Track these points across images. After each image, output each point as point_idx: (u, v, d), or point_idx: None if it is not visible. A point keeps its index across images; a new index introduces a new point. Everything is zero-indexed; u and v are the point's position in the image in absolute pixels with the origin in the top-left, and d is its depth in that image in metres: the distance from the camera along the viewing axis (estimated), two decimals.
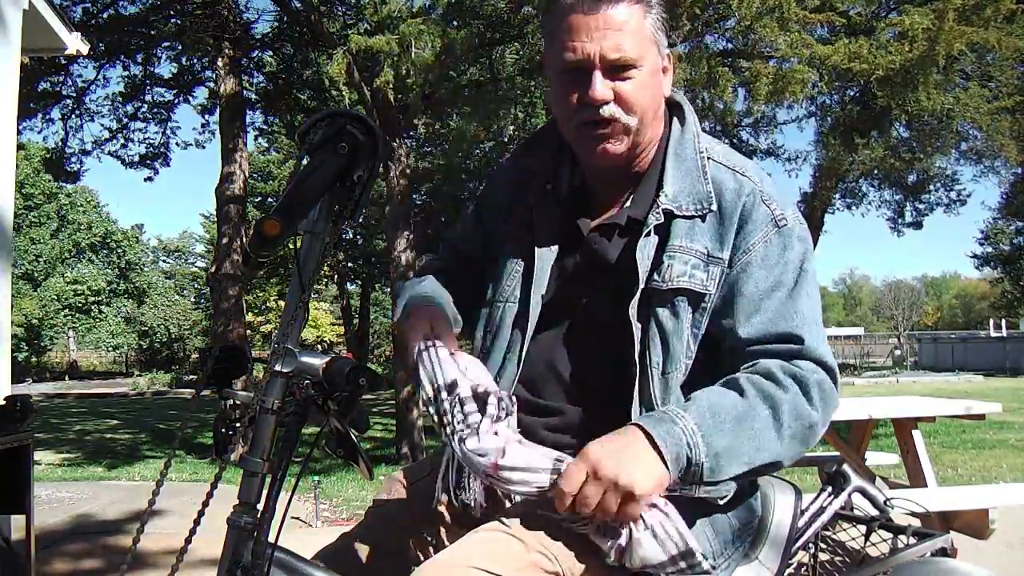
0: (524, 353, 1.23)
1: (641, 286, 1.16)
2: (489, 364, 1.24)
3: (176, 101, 12.43)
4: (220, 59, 10.15)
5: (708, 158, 1.23)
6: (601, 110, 1.15)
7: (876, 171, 11.19)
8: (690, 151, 1.23)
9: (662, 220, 1.18)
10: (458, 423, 1.07)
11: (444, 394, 1.09)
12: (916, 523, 1.75)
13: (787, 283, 1.16)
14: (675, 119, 1.27)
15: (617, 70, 1.14)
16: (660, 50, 1.20)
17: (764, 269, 1.16)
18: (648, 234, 1.18)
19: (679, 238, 1.18)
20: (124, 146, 12.36)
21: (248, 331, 13.72)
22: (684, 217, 1.18)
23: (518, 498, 1.11)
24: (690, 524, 1.12)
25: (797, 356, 1.13)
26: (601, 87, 1.14)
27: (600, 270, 1.23)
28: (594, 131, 1.17)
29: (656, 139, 1.25)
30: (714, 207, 1.18)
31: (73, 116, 11.74)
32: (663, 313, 1.16)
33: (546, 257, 1.25)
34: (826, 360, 1.14)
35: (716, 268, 1.17)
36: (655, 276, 1.17)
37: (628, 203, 1.23)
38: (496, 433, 1.06)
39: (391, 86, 7.73)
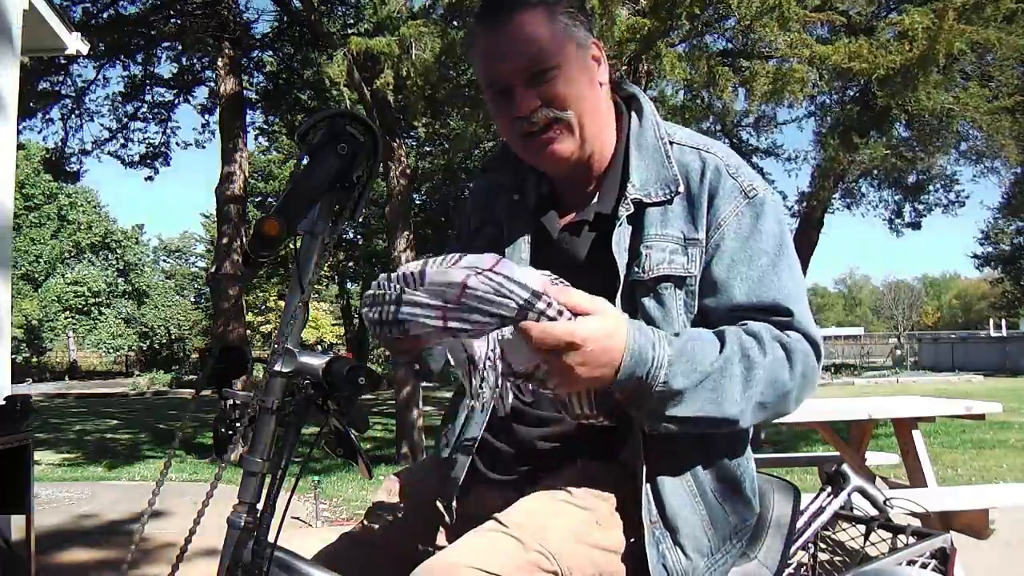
0: None
1: (622, 279, 1.16)
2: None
3: (176, 101, 12.45)
4: (220, 59, 10.17)
5: (670, 142, 1.23)
6: (534, 117, 1.15)
7: (876, 171, 11.19)
8: (651, 139, 1.23)
9: (632, 210, 1.18)
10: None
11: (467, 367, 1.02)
12: (916, 523, 1.75)
13: (767, 253, 1.15)
14: (632, 112, 1.27)
15: (536, 77, 1.14)
16: (579, 43, 1.18)
17: (739, 241, 1.15)
18: (620, 226, 1.18)
19: (653, 227, 1.17)
20: (124, 146, 12.39)
21: (248, 331, 13.72)
22: (655, 204, 1.18)
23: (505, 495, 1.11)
24: (687, 516, 1.12)
25: (787, 327, 1.12)
26: (525, 99, 1.15)
27: (574, 270, 1.20)
28: (536, 139, 1.17)
29: (610, 130, 1.24)
30: (681, 189, 1.18)
31: (73, 116, 11.77)
32: (648, 304, 1.16)
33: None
34: (813, 335, 1.13)
35: (695, 250, 1.16)
36: (635, 268, 1.16)
37: (596, 200, 1.23)
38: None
39: (391, 87, 7.73)
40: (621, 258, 1.17)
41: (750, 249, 1.15)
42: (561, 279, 1.04)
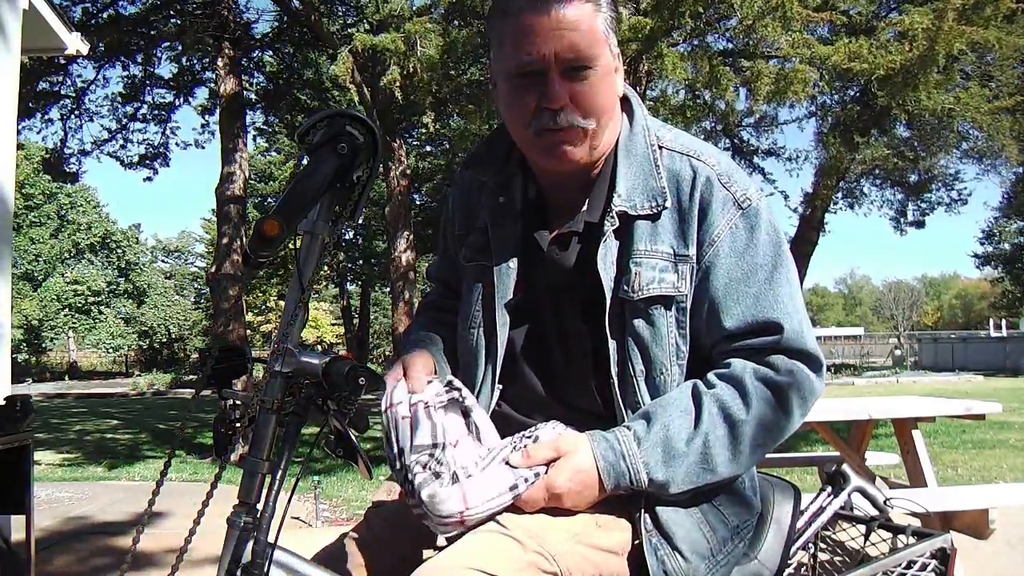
0: (498, 377, 1.23)
1: (609, 297, 1.15)
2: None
3: (176, 102, 12.43)
4: (220, 59, 10.16)
5: (659, 147, 1.19)
6: (559, 116, 1.12)
7: (877, 171, 11.20)
8: (640, 145, 1.20)
9: (617, 224, 1.16)
10: (416, 484, 1.08)
11: (397, 463, 1.10)
12: (916, 523, 1.75)
13: (763, 267, 1.14)
14: (623, 114, 1.24)
15: (572, 71, 1.11)
16: (611, 49, 1.16)
17: (734, 257, 1.14)
18: (606, 240, 1.15)
19: (642, 241, 1.15)
20: (123, 147, 12.37)
21: (248, 331, 13.72)
22: (642, 217, 1.16)
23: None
24: (682, 521, 1.12)
25: (776, 348, 1.12)
26: (559, 89, 1.11)
27: (565, 283, 1.21)
28: (553, 136, 1.14)
29: (614, 140, 1.21)
30: (669, 203, 1.15)
31: (72, 116, 11.75)
32: (639, 323, 1.14)
33: (507, 276, 1.23)
34: (807, 349, 1.13)
35: (685, 267, 1.15)
36: (624, 286, 1.14)
37: (585, 208, 1.20)
38: (452, 479, 1.07)
39: (398, 84, 7.71)
40: (607, 276, 1.15)
41: (746, 265, 1.14)
42: (524, 438, 1.13)
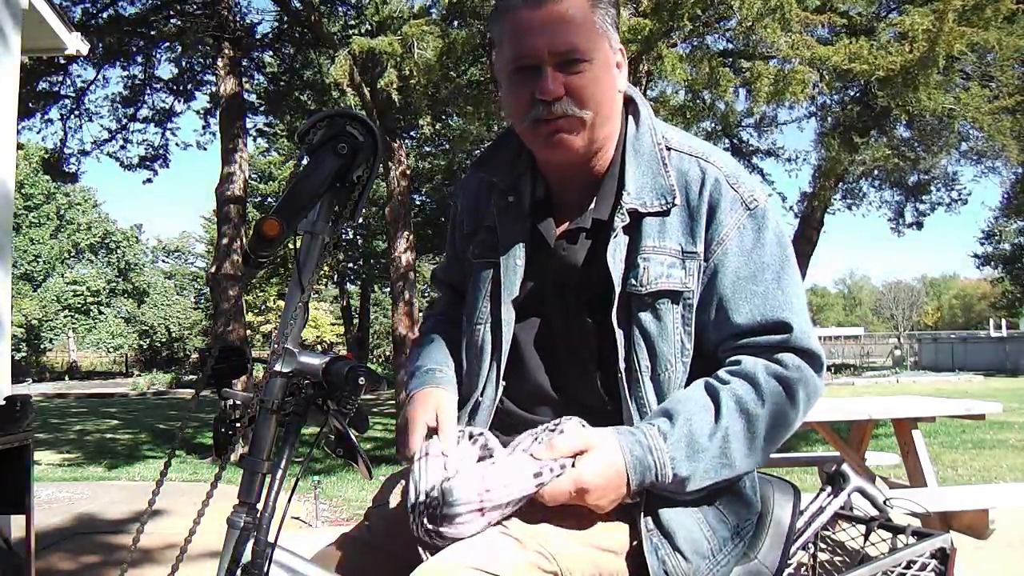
0: (502, 373, 1.23)
1: (618, 292, 1.16)
2: (473, 389, 1.26)
3: (176, 103, 12.39)
4: (220, 60, 10.16)
5: (667, 147, 1.21)
6: (553, 107, 1.13)
7: (877, 171, 11.19)
8: (647, 144, 1.22)
9: (628, 220, 1.17)
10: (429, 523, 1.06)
11: (418, 508, 1.08)
12: (916, 523, 1.75)
13: (770, 267, 1.15)
14: (629, 115, 1.25)
15: (567, 64, 1.13)
16: (611, 44, 1.17)
17: (742, 256, 1.15)
18: (616, 236, 1.17)
19: (651, 238, 1.16)
20: (123, 147, 12.34)
21: (248, 331, 13.72)
22: (651, 215, 1.17)
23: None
24: (683, 520, 1.12)
25: (785, 347, 1.13)
26: (552, 82, 1.12)
27: (572, 278, 1.21)
28: (548, 127, 1.15)
29: (614, 136, 1.23)
30: (678, 200, 1.17)
31: (72, 116, 11.72)
32: (645, 318, 1.15)
33: (513, 272, 1.24)
34: (812, 348, 1.14)
35: (692, 263, 1.16)
36: (632, 280, 1.16)
37: (592, 206, 1.21)
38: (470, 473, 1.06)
39: (395, 87, 7.72)
40: (617, 271, 1.16)
41: (754, 264, 1.15)
42: (547, 430, 1.11)
